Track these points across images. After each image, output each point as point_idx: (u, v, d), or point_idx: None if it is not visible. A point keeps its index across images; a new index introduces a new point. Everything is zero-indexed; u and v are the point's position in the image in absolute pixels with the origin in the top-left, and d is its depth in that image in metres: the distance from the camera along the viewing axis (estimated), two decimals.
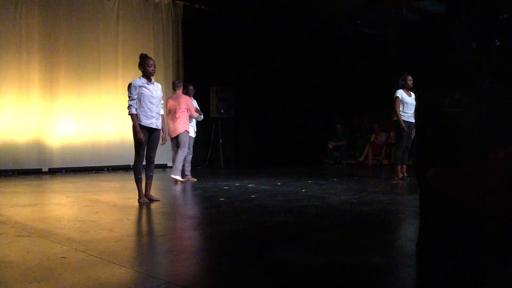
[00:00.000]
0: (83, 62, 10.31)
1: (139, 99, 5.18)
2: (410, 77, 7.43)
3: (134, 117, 5.15)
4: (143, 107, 5.18)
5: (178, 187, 7.23)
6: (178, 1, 11.70)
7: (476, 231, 1.51)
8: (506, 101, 1.53)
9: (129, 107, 5.17)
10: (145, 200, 5.24)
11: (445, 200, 1.57)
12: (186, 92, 8.19)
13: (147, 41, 11.14)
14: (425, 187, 1.66)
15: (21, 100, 9.57)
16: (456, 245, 1.55)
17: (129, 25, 10.93)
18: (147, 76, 5.26)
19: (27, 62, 9.65)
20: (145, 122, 5.19)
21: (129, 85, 5.22)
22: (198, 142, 8.54)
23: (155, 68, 5.32)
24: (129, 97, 5.18)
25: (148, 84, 5.23)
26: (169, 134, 7.57)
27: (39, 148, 9.75)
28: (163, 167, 10.92)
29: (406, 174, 7.50)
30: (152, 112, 5.23)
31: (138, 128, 5.14)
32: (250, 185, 6.98)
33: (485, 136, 1.56)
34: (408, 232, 3.59)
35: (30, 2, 9.66)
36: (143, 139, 5.16)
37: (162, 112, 5.48)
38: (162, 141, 5.56)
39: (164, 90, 10.55)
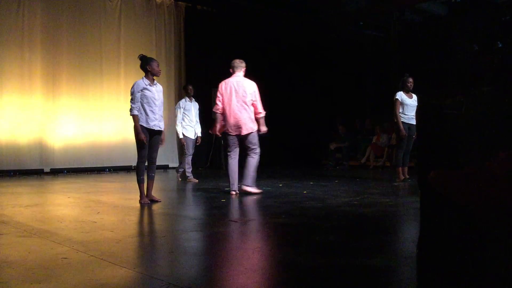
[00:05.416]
0: (85, 62, 10.34)
1: (142, 101, 5.18)
2: (410, 79, 7.41)
3: (136, 118, 5.15)
4: (145, 109, 5.18)
5: (179, 188, 7.23)
6: (180, 2, 11.72)
7: (477, 233, 1.51)
8: (507, 104, 1.53)
9: (131, 109, 5.17)
10: (146, 201, 5.24)
11: (446, 202, 1.57)
12: (186, 92, 8.21)
13: (149, 42, 11.17)
14: (426, 189, 1.66)
15: (23, 101, 9.60)
16: (457, 247, 1.55)
17: (131, 26, 10.96)
18: (152, 76, 5.26)
19: (29, 63, 9.68)
20: (148, 124, 5.19)
21: (132, 87, 5.21)
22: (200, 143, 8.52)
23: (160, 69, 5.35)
24: (132, 99, 5.18)
25: (151, 86, 5.23)
26: (229, 130, 6.02)
27: (41, 149, 9.77)
28: (165, 168, 10.93)
29: (407, 176, 7.49)
30: (154, 114, 5.23)
31: (139, 129, 5.14)
32: None
33: (486, 138, 1.56)
34: (409, 234, 3.58)
35: (33, 2, 9.69)
36: (145, 140, 5.16)
37: (161, 113, 5.44)
38: (161, 142, 5.53)
39: (166, 92, 10.59)
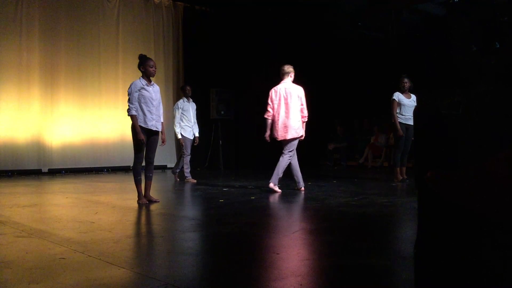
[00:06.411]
0: (83, 62, 10.32)
1: (139, 101, 5.17)
2: (406, 80, 7.46)
3: (134, 118, 5.15)
4: (143, 109, 5.18)
5: (177, 189, 7.22)
6: (179, 3, 11.71)
7: (475, 234, 1.51)
8: (505, 104, 1.53)
9: (129, 109, 5.16)
10: (144, 201, 5.24)
11: (443, 202, 1.57)
12: (183, 93, 8.20)
13: (148, 42, 11.15)
14: (423, 189, 1.66)
15: (21, 100, 9.58)
16: (454, 247, 1.56)
17: (129, 26, 10.94)
18: (148, 77, 5.25)
19: (27, 63, 9.65)
20: (147, 124, 5.19)
21: (130, 87, 5.22)
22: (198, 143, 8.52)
23: (155, 69, 5.32)
24: (129, 99, 5.18)
25: (148, 86, 5.23)
26: (277, 136, 6.31)
27: (38, 149, 9.75)
28: (163, 168, 10.92)
29: (405, 176, 7.50)
30: (152, 114, 5.23)
31: (139, 129, 5.14)
32: (250, 186, 6.99)
33: (484, 139, 1.56)
34: (407, 234, 3.59)
35: (31, 3, 9.67)
36: (144, 140, 5.16)
37: (161, 113, 5.45)
38: (162, 142, 5.53)
39: (164, 92, 10.58)
